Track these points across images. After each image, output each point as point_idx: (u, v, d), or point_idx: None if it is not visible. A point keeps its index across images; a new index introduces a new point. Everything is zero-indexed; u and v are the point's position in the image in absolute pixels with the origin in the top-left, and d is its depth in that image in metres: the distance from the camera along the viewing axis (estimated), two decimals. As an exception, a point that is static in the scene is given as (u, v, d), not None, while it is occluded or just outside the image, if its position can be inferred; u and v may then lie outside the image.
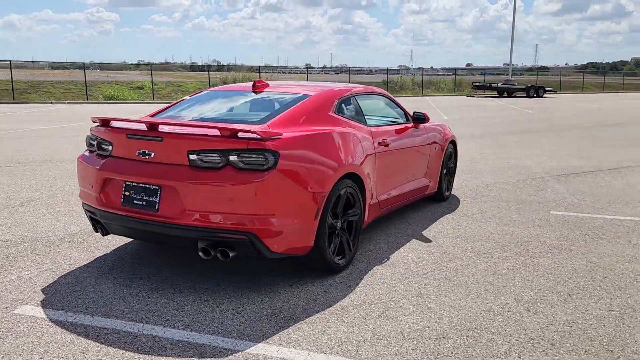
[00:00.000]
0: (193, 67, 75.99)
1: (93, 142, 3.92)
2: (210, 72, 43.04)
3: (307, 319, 3.28)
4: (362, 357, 2.85)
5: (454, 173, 6.69)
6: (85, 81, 31.20)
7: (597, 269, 4.19)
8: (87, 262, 4.18)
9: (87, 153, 4.02)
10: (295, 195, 3.54)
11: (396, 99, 5.75)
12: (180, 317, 3.28)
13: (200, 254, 3.46)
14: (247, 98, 4.48)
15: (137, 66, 79.21)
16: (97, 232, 3.95)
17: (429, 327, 3.20)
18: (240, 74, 44.13)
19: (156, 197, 3.49)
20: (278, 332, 3.10)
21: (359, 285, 3.83)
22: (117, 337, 3.01)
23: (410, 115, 5.54)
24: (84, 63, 40.86)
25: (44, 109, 21.81)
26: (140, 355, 2.82)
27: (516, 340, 3.06)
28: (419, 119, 5.48)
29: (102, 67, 78.62)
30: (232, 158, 3.37)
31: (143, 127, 3.58)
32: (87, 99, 29.15)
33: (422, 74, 47.56)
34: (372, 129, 4.67)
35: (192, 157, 3.41)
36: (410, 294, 3.69)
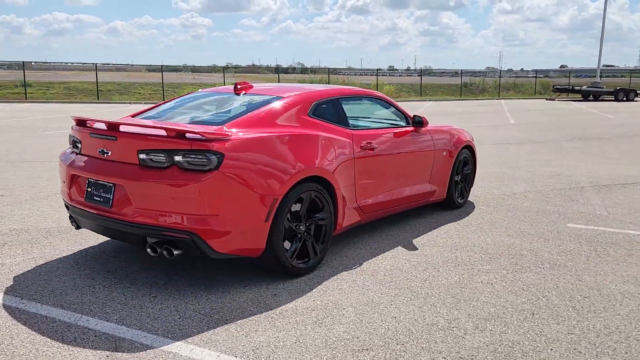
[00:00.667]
0: (277, 70, 77.58)
1: (71, 141, 4.15)
2: (294, 74, 43.55)
3: (239, 321, 3.27)
4: (271, 363, 2.81)
5: (471, 180, 6.40)
6: (163, 83, 32.77)
7: (581, 288, 3.86)
8: (70, 253, 4.42)
9: (68, 150, 4.25)
10: (242, 197, 3.55)
11: (398, 103, 5.60)
12: (120, 311, 3.38)
13: (148, 250, 3.56)
14: (225, 100, 4.54)
15: (226, 68, 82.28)
16: (72, 225, 4.16)
17: (357, 338, 3.09)
18: (318, 76, 44.55)
19: (110, 194, 3.63)
20: (203, 332, 3.12)
21: (313, 290, 3.77)
22: (50, 326, 3.16)
23: (411, 119, 5.37)
24: (177, 66, 42.72)
25: (121, 108, 23.20)
26: (60, 344, 2.95)
27: (443, 358, 2.90)
28: (418, 122, 5.29)
29: (194, 69, 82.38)
30: (177, 158, 3.44)
31: (104, 126, 3.73)
32: (164, 99, 30.65)
33: (499, 76, 45.78)
34: (355, 132, 4.58)
35: (141, 156, 3.52)
36: (361, 302, 3.58)
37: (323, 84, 36.85)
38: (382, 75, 66.93)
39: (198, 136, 3.44)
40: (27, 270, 4.03)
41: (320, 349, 2.96)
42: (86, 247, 4.57)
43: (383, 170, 4.86)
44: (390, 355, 2.91)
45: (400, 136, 5.13)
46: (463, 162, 6.18)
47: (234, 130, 3.70)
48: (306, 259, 4.04)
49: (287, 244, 3.92)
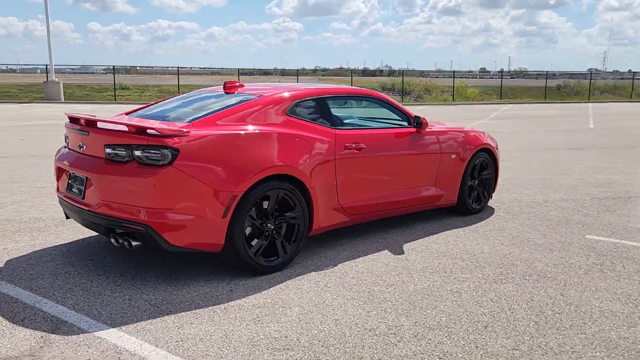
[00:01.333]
0: (365, 72, 77.67)
1: (64, 136, 4.44)
2: (380, 77, 43.03)
3: (182, 314, 3.35)
4: (187, 354, 2.86)
5: (492, 185, 6.08)
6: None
7: (558, 303, 3.57)
8: (68, 241, 4.72)
9: (62, 146, 4.56)
10: (197, 192, 3.63)
11: (399, 103, 5.46)
12: (78, 296, 3.57)
13: (112, 240, 3.74)
14: (212, 99, 4.64)
15: (314, 71, 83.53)
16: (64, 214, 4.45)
17: (286, 337, 3.07)
18: (399, 78, 43.88)
19: (83, 186, 3.85)
20: (141, 322, 3.23)
21: (271, 288, 3.78)
22: (10, 306, 3.41)
23: (414, 119, 5.21)
24: (267, 69, 43.98)
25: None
26: (7, 322, 3.17)
27: (360, 363, 2.81)
28: (419, 124, 5.13)
29: (283, 72, 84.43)
30: (137, 153, 3.59)
31: (82, 122, 3.97)
32: None
33: (590, 78, 42.71)
34: (340, 132, 4.52)
35: (107, 150, 3.70)
36: (311, 303, 3.54)
37: (398, 86, 35.71)
38: (473, 77, 64.89)
39: (155, 132, 3.56)
40: (22, 255, 4.35)
41: (242, 345, 2.96)
42: (86, 236, 4.86)
43: (373, 171, 4.76)
44: (309, 356, 2.86)
45: (397, 137, 5.00)
46: (480, 166, 5.90)
47: (195, 128, 3.79)
48: (274, 257, 4.05)
49: (255, 242, 3.96)
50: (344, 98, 5.02)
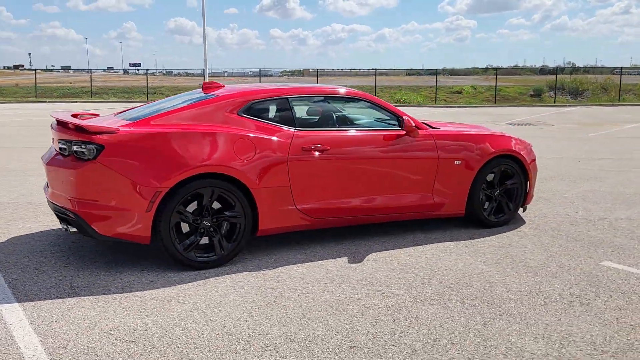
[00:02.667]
0: (542, 70, 72.16)
1: None
2: (558, 75, 39.21)
3: (83, 297, 3.57)
4: (45, 333, 3.05)
5: (520, 196, 5.37)
6: (369, 86, 33.42)
7: (463, 334, 3.10)
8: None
9: None
10: (121, 186, 3.84)
11: (390, 104, 5.09)
12: (24, 274, 3.99)
13: (61, 225, 4.13)
14: (186, 98, 4.79)
15: (485, 70, 79.83)
16: None
17: (145, 331, 3.12)
18: (570, 76, 39.79)
19: (49, 179, 4.31)
20: (43, 300, 3.51)
21: (188, 283, 3.83)
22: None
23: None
24: (436, 69, 43.40)
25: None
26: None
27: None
28: (401, 125, 4.74)
29: (452, 72, 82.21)
30: (74, 148, 3.92)
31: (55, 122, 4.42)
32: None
33: None
34: (299, 134, 4.40)
35: (59, 145, 4.10)
36: (207, 301, 3.53)
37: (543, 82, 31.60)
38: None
39: (85, 130, 3.87)
40: (15, 236, 4.91)
41: (100, 333, 3.07)
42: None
43: (340, 174, 4.54)
44: (143, 349, 2.89)
45: (375, 140, 4.69)
46: (502, 174, 5.27)
47: (131, 126, 4.01)
48: (211, 254, 4.12)
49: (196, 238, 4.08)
50: (312, 98, 4.87)
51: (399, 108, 5.10)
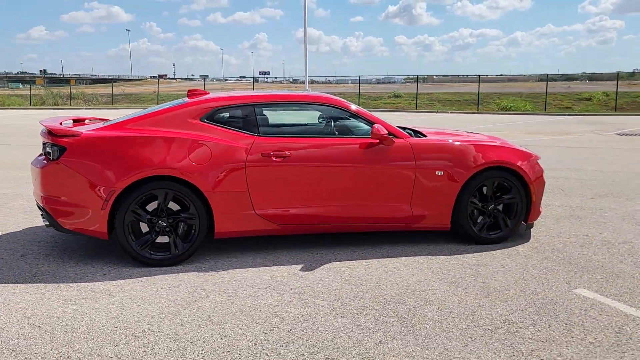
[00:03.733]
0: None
1: None
2: None
3: (34, 284, 3.93)
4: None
5: (521, 211, 4.92)
6: (477, 92, 31.75)
7: (332, 348, 2.99)
8: None
9: None
10: (79, 185, 4.17)
11: (363, 110, 4.92)
12: (11, 262, 4.49)
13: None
14: (165, 105, 5.00)
15: (632, 75, 72.75)
16: None
17: (63, 325, 3.39)
18: None
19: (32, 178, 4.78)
20: (3, 284, 3.94)
21: (133, 279, 4.03)
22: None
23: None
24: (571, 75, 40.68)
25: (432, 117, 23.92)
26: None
27: (64, 357, 2.99)
28: (374, 134, 4.59)
29: (592, 77, 76.21)
30: (47, 149, 4.34)
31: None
32: (478, 110, 29.83)
33: None
34: (260, 140, 4.44)
35: (45, 148, 4.55)
36: (132, 297, 3.70)
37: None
38: None
39: (53, 133, 4.26)
40: (33, 227, 5.54)
41: (16, 315, 3.37)
42: None
43: (304, 181, 4.51)
44: (39, 335, 3.12)
45: (343, 147, 4.59)
46: (497, 188, 4.90)
47: (99, 130, 4.35)
48: (166, 253, 4.32)
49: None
50: (280, 105, 4.87)
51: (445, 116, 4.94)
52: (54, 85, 69.50)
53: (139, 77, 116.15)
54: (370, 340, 3.11)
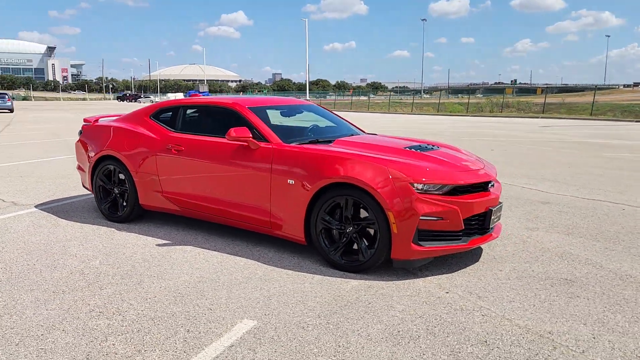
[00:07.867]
0: None
1: None
2: None
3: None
4: None
5: (381, 240, 4.16)
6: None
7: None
8: (61, 213, 6.44)
9: None
10: (85, 154, 6.30)
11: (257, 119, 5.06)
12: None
13: None
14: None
15: None
16: None
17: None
18: None
19: None
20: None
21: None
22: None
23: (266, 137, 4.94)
24: None
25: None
26: None
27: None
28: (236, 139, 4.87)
29: None
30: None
31: None
32: None
33: None
34: (171, 134, 5.49)
35: None
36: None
37: None
38: None
39: (85, 121, 6.42)
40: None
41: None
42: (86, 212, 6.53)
43: (192, 172, 5.28)
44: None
45: (219, 146, 5.09)
46: (351, 208, 4.31)
47: (91, 122, 6.50)
48: (117, 212, 5.91)
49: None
50: (200, 107, 5.68)
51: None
52: (522, 94, 72.90)
53: (609, 86, 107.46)
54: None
